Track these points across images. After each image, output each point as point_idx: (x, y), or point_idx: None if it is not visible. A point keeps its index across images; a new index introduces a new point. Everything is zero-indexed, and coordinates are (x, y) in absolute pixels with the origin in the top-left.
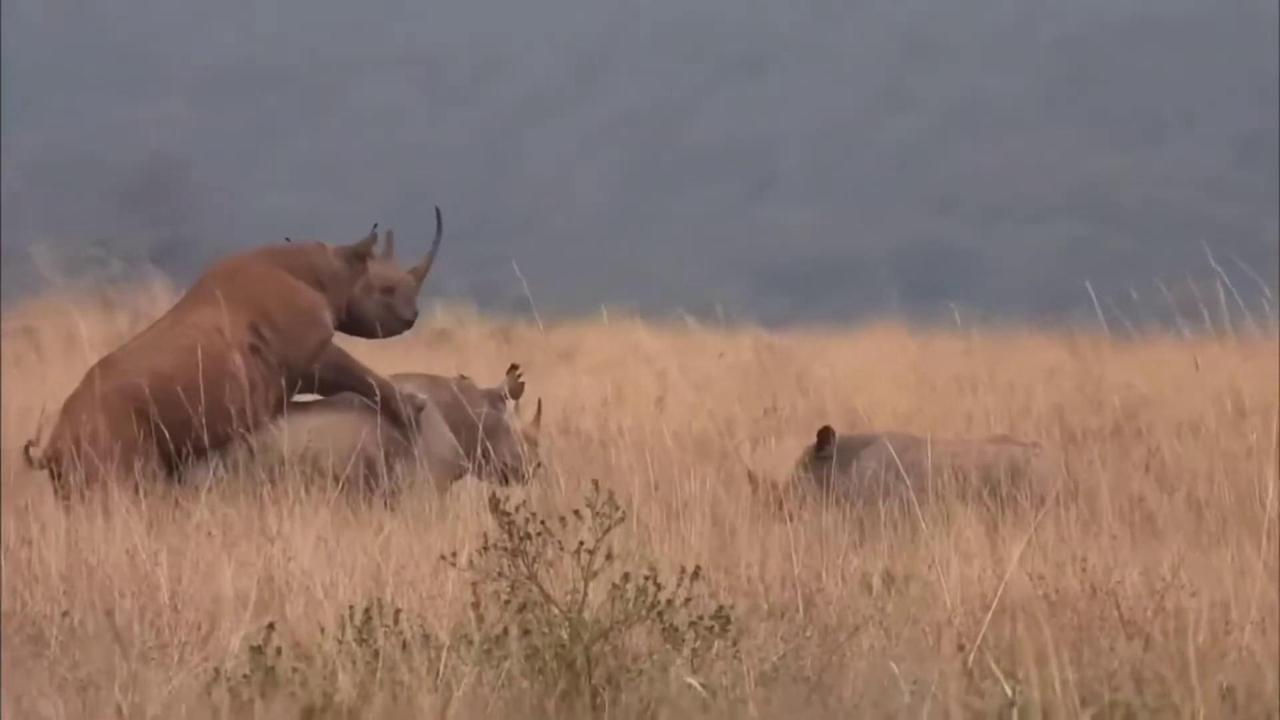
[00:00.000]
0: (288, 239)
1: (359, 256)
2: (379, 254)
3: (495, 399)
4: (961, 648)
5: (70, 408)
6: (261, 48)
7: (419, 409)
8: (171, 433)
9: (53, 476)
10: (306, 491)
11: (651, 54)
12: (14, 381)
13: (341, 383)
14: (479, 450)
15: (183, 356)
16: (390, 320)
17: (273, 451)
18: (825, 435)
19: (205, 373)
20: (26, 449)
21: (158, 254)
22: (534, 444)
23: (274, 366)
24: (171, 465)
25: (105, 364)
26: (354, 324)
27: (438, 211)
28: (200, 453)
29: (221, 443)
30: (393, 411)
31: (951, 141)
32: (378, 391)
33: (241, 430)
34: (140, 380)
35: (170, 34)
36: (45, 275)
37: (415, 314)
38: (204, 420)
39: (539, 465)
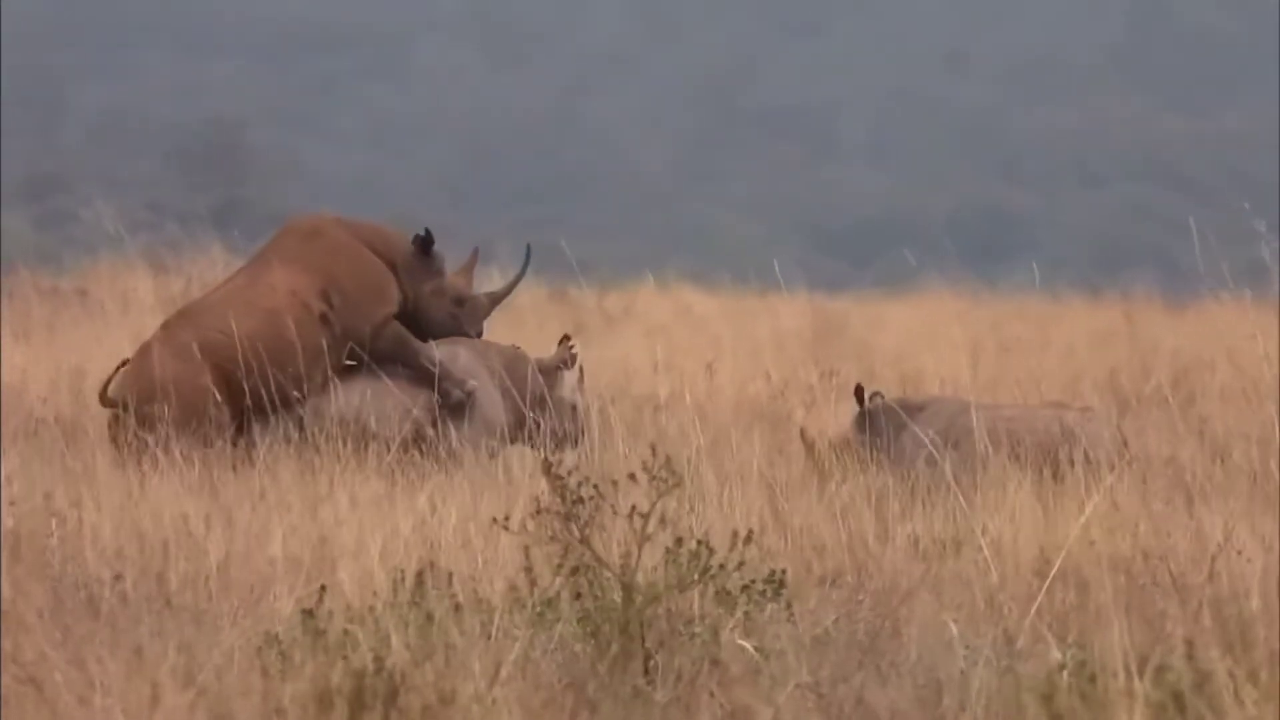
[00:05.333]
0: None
1: (429, 256)
2: (434, 264)
3: (548, 370)
4: (1009, 611)
5: (145, 354)
6: (322, 8)
7: (469, 393)
8: (245, 392)
9: (116, 421)
10: (359, 456)
11: (713, 15)
12: (68, 343)
13: (398, 357)
14: (530, 418)
15: (262, 318)
16: (454, 332)
17: (325, 415)
18: (858, 392)
19: (282, 339)
20: (103, 392)
21: (215, 216)
22: (576, 409)
23: (338, 336)
24: (239, 425)
25: (182, 315)
26: (416, 323)
27: (528, 248)
28: (263, 415)
29: (284, 407)
30: (444, 391)
31: (1014, 105)
32: (432, 370)
33: (302, 396)
34: (221, 336)
35: None
36: (100, 237)
37: (481, 334)
38: (275, 384)
39: (583, 432)
